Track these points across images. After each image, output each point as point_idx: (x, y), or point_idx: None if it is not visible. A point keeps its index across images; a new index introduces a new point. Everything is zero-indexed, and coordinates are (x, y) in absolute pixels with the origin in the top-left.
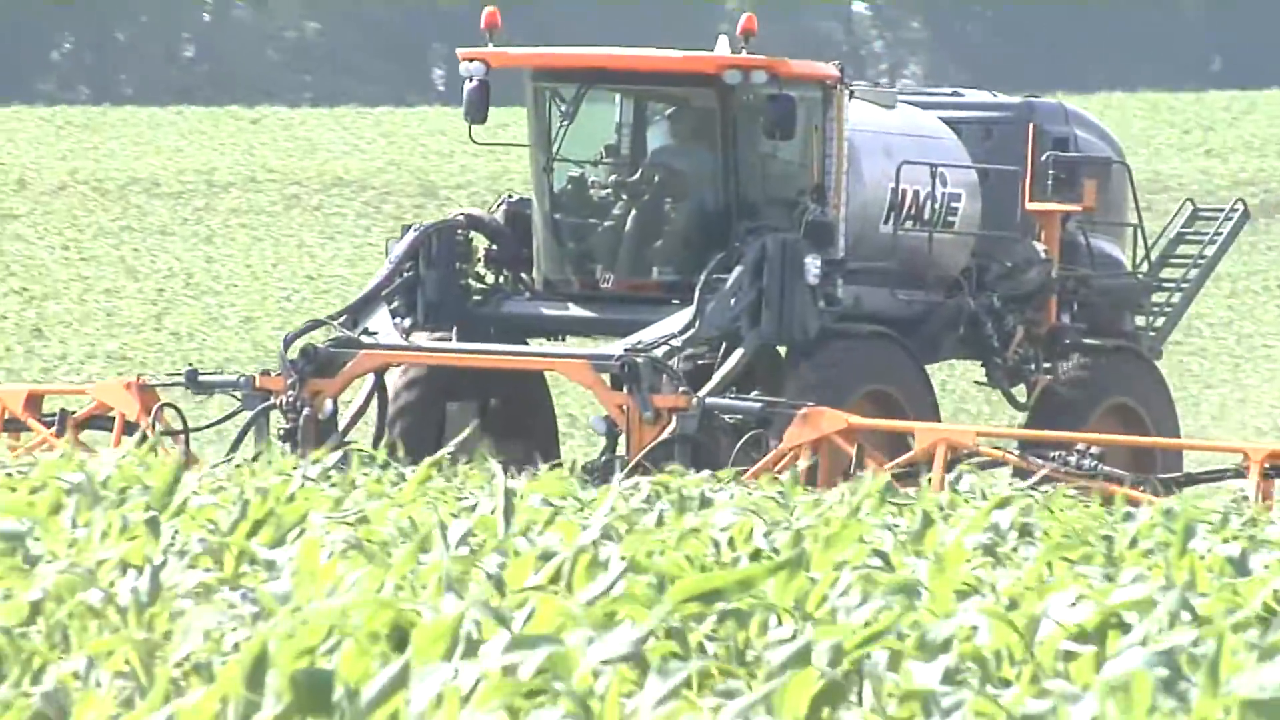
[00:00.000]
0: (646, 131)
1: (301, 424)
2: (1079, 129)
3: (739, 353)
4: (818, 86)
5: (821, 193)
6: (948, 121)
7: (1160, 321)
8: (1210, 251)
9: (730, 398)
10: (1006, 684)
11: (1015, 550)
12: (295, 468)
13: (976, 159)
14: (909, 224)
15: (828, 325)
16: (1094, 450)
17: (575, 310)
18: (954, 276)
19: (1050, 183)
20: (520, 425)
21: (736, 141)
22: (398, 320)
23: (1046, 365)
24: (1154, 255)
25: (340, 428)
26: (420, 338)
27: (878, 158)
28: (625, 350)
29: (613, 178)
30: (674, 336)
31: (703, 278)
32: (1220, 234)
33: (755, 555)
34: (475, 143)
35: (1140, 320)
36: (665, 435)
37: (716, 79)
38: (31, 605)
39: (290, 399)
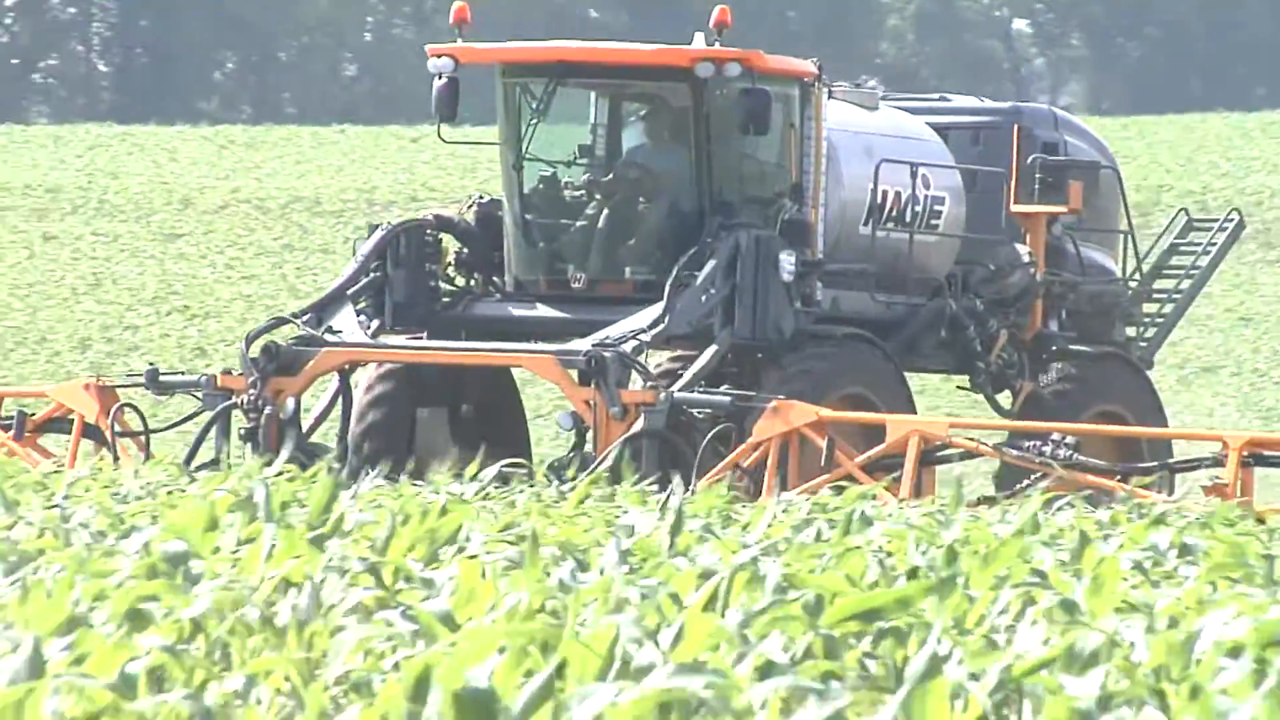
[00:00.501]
0: (619, 128)
1: (263, 423)
2: (1069, 135)
3: (712, 349)
4: (794, 83)
5: (799, 192)
6: (935, 127)
7: (1151, 331)
8: (1204, 262)
9: (700, 392)
10: (1162, 699)
11: (1175, 570)
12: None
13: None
14: (890, 225)
15: (804, 326)
16: (1069, 440)
17: (546, 311)
18: (937, 280)
19: (1036, 186)
20: (491, 430)
21: (710, 138)
22: (363, 319)
23: (1032, 371)
24: (1147, 265)
25: (304, 428)
26: (389, 340)
27: (858, 158)
28: (593, 345)
29: (584, 176)
30: (642, 331)
31: (674, 273)
32: (1214, 244)
33: (913, 573)
34: (444, 141)
35: (1131, 330)
36: (632, 431)
37: (689, 72)
38: (193, 622)
39: (252, 398)
